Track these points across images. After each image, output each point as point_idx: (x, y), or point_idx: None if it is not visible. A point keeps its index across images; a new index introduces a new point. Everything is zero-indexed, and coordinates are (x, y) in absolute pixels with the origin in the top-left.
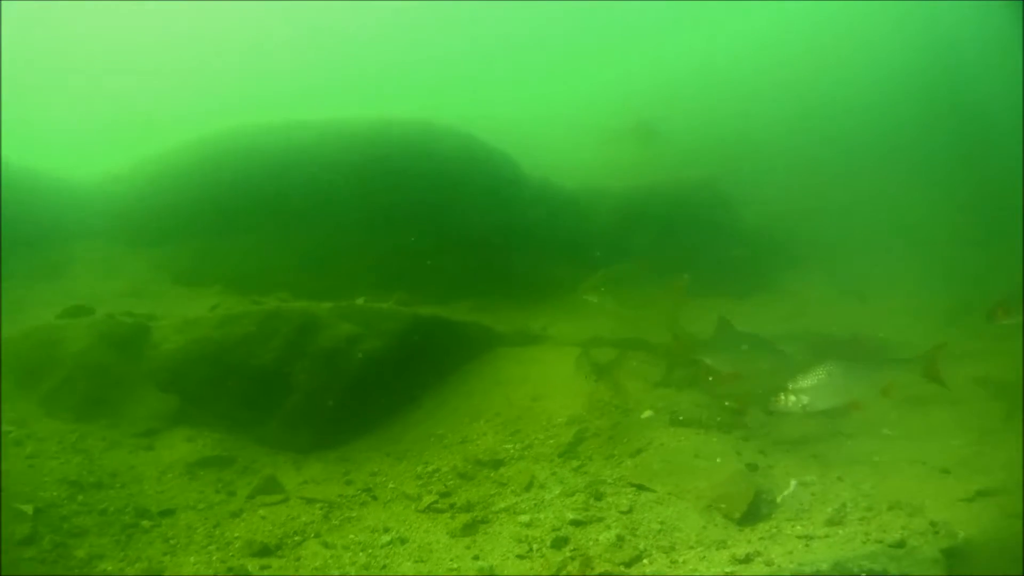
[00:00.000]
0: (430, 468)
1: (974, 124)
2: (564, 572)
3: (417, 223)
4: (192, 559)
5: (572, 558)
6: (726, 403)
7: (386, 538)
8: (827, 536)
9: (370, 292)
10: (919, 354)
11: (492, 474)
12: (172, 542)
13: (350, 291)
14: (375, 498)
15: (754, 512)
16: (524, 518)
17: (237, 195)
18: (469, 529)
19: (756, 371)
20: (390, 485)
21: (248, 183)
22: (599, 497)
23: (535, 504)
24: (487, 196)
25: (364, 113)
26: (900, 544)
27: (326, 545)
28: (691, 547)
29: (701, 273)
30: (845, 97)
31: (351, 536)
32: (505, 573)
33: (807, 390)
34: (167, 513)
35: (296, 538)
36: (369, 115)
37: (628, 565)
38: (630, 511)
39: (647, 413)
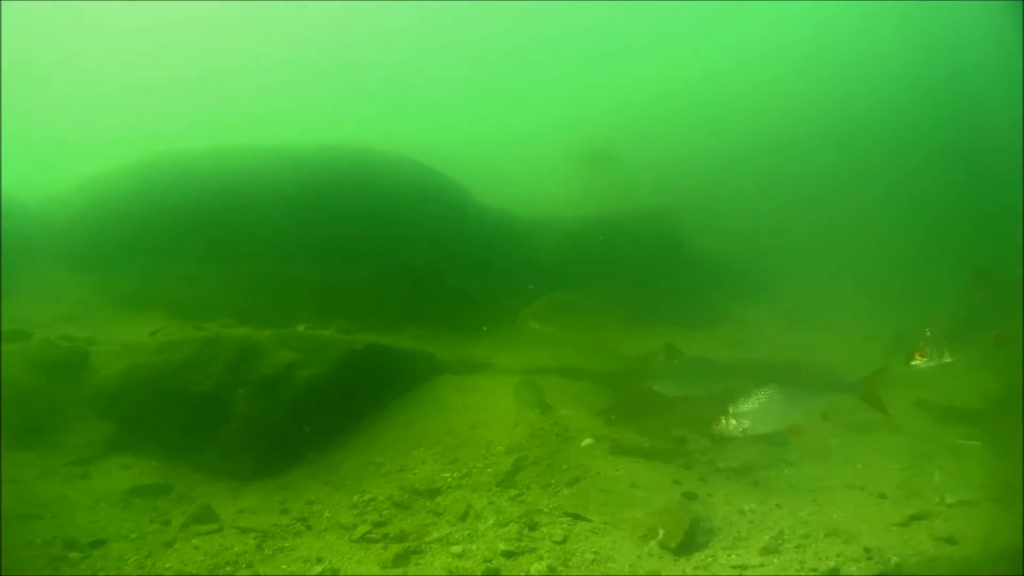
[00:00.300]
0: (367, 497)
1: (944, 145)
2: None
3: (362, 251)
4: None
5: None
6: (670, 430)
7: (318, 569)
8: (762, 565)
9: (312, 320)
10: (859, 379)
11: (428, 503)
12: (101, 574)
13: (292, 318)
14: (310, 528)
15: (691, 541)
16: (457, 548)
17: (181, 220)
18: (401, 560)
19: (703, 394)
20: (326, 514)
21: (192, 208)
22: (533, 527)
23: (469, 534)
24: (434, 224)
25: (311, 140)
26: (834, 572)
27: None
28: None
29: (649, 303)
30: (814, 125)
31: (283, 567)
32: None
33: (748, 414)
34: (98, 544)
35: (228, 569)
36: (316, 142)
37: None
38: (564, 541)
39: (587, 441)
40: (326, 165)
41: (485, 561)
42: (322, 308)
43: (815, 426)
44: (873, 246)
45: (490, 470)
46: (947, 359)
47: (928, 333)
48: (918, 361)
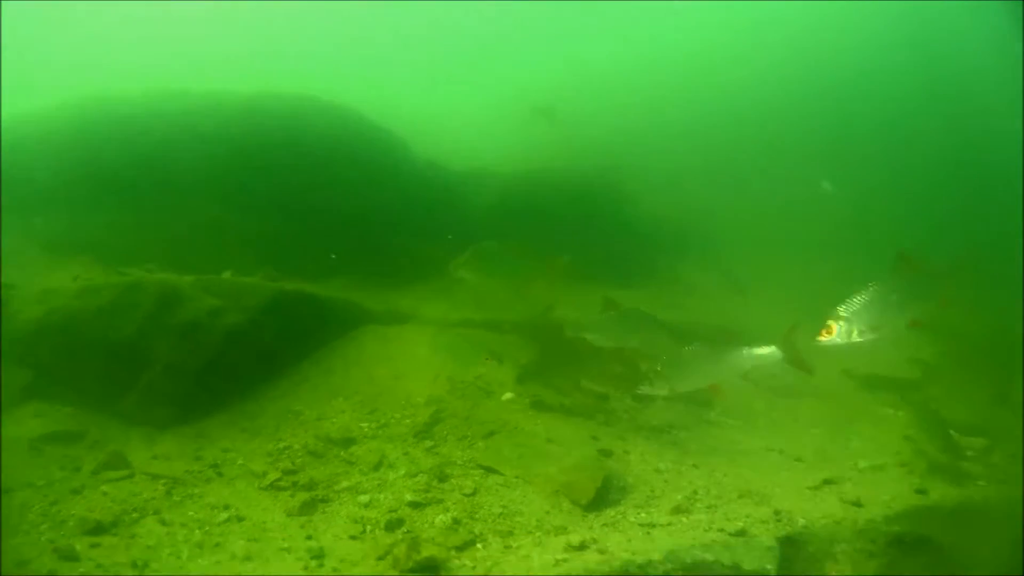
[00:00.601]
0: (282, 445)
1: (902, 121)
2: (390, 555)
3: (293, 199)
4: (18, 540)
5: (402, 541)
6: (594, 386)
7: (224, 515)
8: (670, 524)
9: (240, 267)
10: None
11: (342, 452)
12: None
13: (219, 265)
14: (221, 475)
15: (602, 498)
16: (364, 498)
17: (110, 163)
18: (307, 508)
19: (635, 347)
20: (239, 462)
21: (122, 151)
22: (444, 479)
23: (378, 484)
24: (368, 174)
25: (247, 86)
26: (741, 533)
27: (163, 523)
28: (530, 532)
29: (586, 260)
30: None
31: (190, 513)
32: (334, 554)
33: (672, 371)
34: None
35: (134, 515)
36: (251, 88)
37: (460, 549)
38: (474, 494)
39: (507, 396)
40: (260, 111)
41: (390, 511)
42: (250, 255)
43: (741, 389)
44: (822, 219)
45: (408, 421)
46: (856, 339)
47: (840, 311)
48: (824, 338)
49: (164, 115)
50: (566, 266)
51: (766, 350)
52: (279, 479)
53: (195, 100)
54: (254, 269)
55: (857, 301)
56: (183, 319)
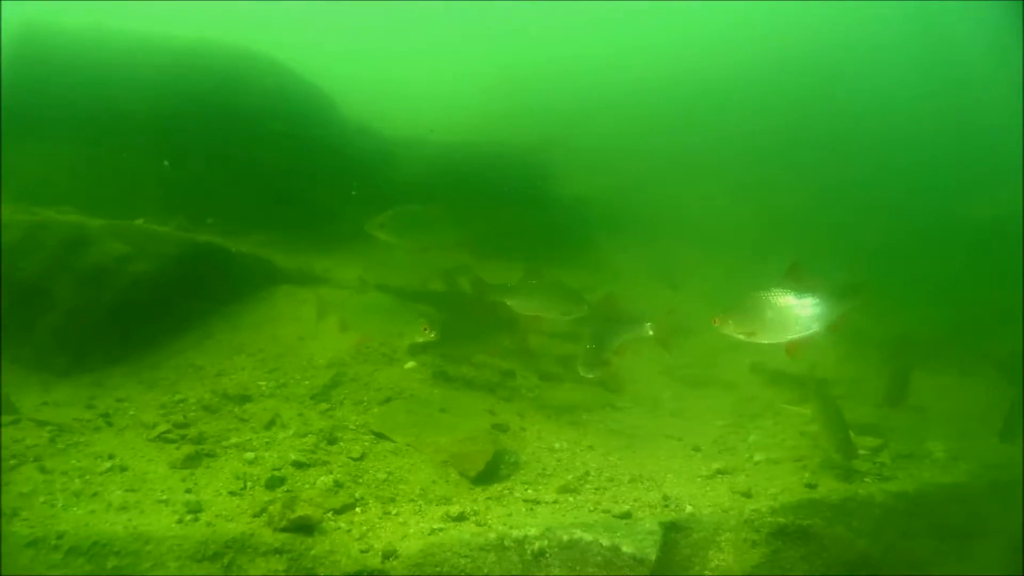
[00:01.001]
0: (177, 398)
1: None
2: (265, 513)
3: (217, 150)
4: None
5: (279, 499)
6: (501, 361)
7: (106, 465)
8: (555, 502)
9: (154, 215)
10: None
11: (237, 409)
12: None
13: (135, 211)
14: (110, 424)
15: (491, 472)
16: (250, 455)
17: (33, 95)
18: (191, 461)
19: (553, 317)
20: (131, 412)
21: (47, 84)
22: (333, 441)
23: (267, 443)
24: (295, 132)
25: (184, 31)
26: (626, 515)
27: (43, 470)
28: (412, 500)
29: (510, 234)
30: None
31: (72, 462)
32: (211, 508)
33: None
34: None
35: (12, 462)
36: (189, 34)
37: (338, 512)
38: (361, 458)
39: (410, 364)
40: (196, 57)
41: (274, 469)
42: (167, 203)
43: (651, 377)
44: (765, 210)
45: (307, 383)
46: (741, 337)
47: (727, 310)
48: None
49: (96, 51)
50: (485, 240)
51: (644, 327)
52: (168, 431)
53: (132, 40)
54: (168, 218)
55: (745, 303)
56: (89, 263)
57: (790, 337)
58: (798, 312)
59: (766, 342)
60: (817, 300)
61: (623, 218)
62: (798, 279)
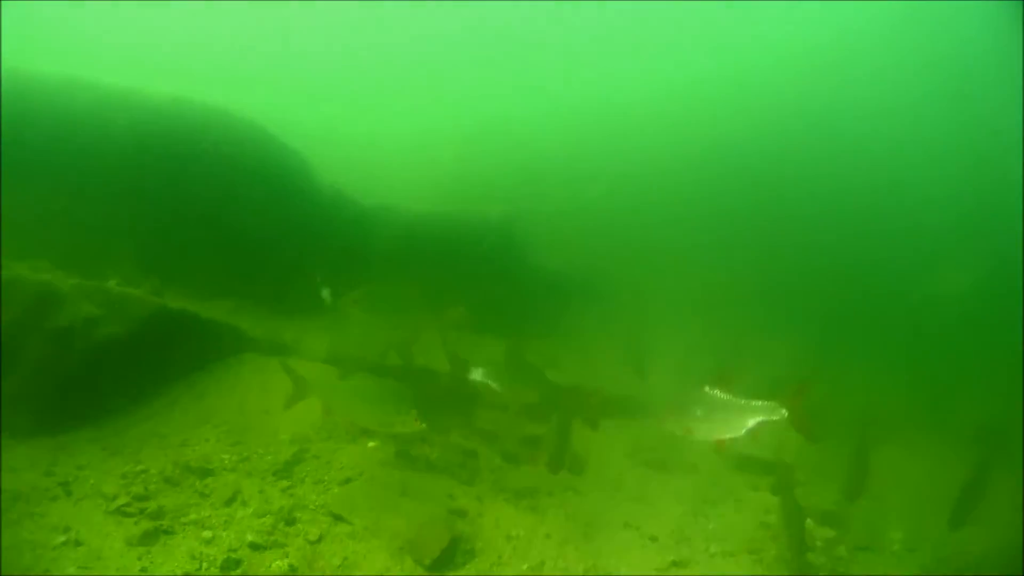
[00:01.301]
0: (139, 468)
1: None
2: None
3: (192, 212)
4: None
5: None
6: (463, 442)
7: (61, 539)
8: None
9: (126, 276)
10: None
11: (198, 483)
12: None
13: (107, 271)
14: (69, 493)
15: (446, 560)
16: (207, 534)
17: (9, 147)
18: (148, 538)
19: (523, 400)
20: (91, 481)
21: (21, 136)
22: (291, 522)
23: (226, 521)
24: (271, 197)
25: (160, 86)
26: None
27: None
28: None
29: (481, 308)
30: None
31: (24, 534)
32: None
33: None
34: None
35: None
36: (164, 90)
37: None
38: (318, 541)
39: (373, 443)
40: (170, 116)
41: (230, 551)
42: (140, 265)
43: (615, 459)
44: (734, 282)
45: (270, 457)
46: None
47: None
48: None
49: (72, 104)
50: (459, 317)
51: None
52: (127, 504)
53: (108, 94)
54: (141, 279)
55: (682, 401)
56: (59, 324)
57: (719, 437)
58: (725, 415)
59: (700, 439)
60: (743, 404)
61: (596, 289)
62: (728, 384)
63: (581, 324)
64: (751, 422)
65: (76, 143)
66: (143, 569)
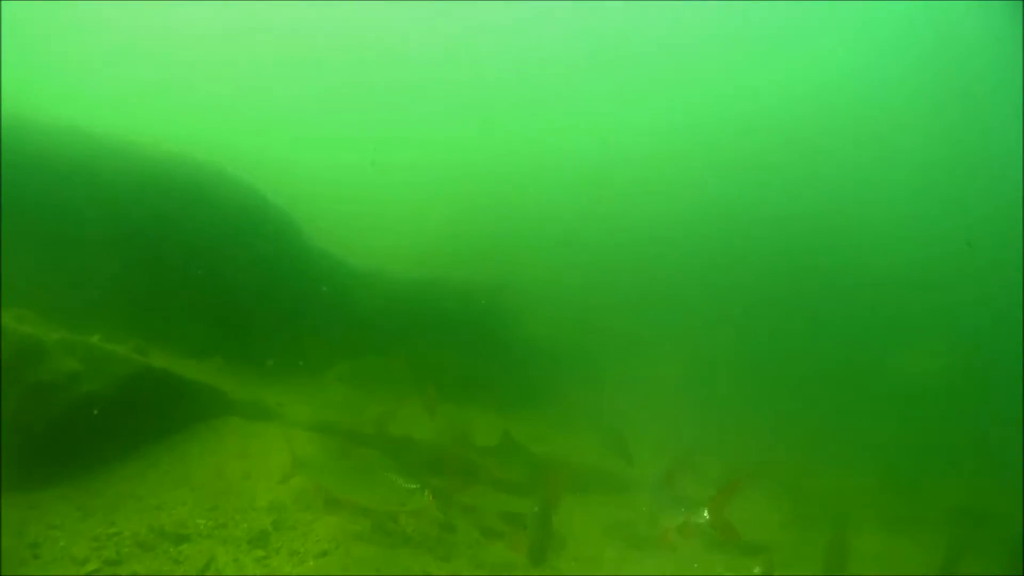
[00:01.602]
0: (113, 530)
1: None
2: None
3: (181, 272)
4: None
5: None
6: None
7: None
8: None
9: (110, 332)
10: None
11: (172, 549)
12: None
13: (92, 326)
14: (37, 557)
15: None
16: None
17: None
18: None
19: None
20: (61, 543)
21: (12, 189)
22: None
23: None
24: (256, 258)
25: (157, 143)
26: None
27: None
28: None
29: (466, 380)
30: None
31: None
32: None
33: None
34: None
35: None
36: (154, 143)
37: None
38: None
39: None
40: (161, 171)
41: None
42: (125, 322)
43: (594, 537)
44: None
45: (246, 525)
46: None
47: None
48: None
49: (65, 153)
50: (432, 397)
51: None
52: (98, 569)
53: (102, 146)
54: (125, 336)
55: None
56: (39, 379)
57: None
58: (662, 508)
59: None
60: (675, 499)
61: (583, 364)
62: (672, 483)
63: (561, 398)
64: (677, 520)
65: (65, 193)
66: None
